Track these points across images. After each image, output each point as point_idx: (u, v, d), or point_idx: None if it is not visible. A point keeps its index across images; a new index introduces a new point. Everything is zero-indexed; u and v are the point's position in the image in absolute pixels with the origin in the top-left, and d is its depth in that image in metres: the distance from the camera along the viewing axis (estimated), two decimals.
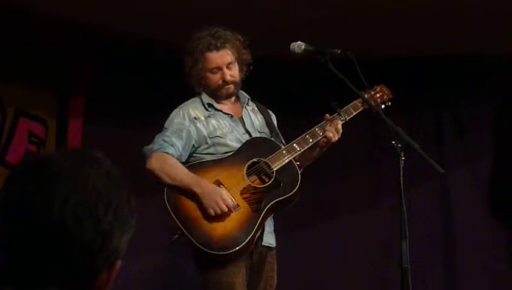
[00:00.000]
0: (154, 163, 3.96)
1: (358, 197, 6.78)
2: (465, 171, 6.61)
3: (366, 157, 6.73)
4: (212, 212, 3.85)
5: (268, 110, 4.35)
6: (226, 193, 3.89)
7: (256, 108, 4.29)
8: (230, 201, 3.88)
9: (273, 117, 4.35)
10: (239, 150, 4.03)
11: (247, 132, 4.14)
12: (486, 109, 6.38)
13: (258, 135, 4.17)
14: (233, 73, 4.10)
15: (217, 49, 4.06)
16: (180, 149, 4.00)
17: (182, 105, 4.17)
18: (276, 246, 4.16)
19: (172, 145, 3.98)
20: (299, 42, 3.97)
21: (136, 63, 6.07)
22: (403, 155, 3.57)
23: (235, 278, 3.87)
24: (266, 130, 4.22)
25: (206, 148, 4.06)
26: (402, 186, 3.52)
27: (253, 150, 4.04)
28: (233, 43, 4.10)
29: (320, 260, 6.57)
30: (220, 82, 4.09)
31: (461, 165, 6.63)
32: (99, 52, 5.96)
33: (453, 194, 6.68)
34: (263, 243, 4.06)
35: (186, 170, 3.98)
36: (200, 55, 4.05)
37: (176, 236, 3.90)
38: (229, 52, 4.08)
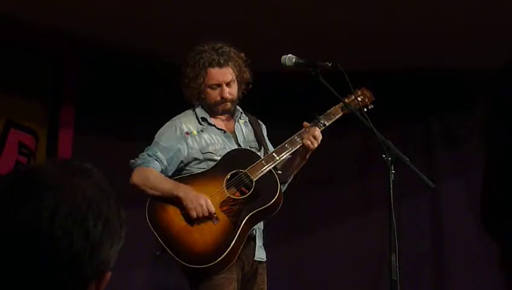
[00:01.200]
0: (135, 178, 3.98)
1: (348, 210, 6.77)
2: (456, 183, 6.61)
3: (356, 171, 6.72)
4: (194, 214, 3.86)
5: (259, 121, 4.35)
6: (207, 198, 3.90)
7: (248, 121, 4.28)
8: (212, 206, 3.89)
9: (263, 128, 4.35)
10: (219, 163, 4.02)
11: (239, 147, 4.14)
12: (477, 120, 6.40)
13: (248, 148, 4.16)
14: (232, 91, 4.09)
15: (220, 66, 4.04)
16: (165, 163, 4.01)
17: (175, 118, 4.16)
18: (266, 260, 4.15)
19: (156, 160, 3.99)
20: (289, 55, 3.97)
21: (127, 73, 6.08)
22: (393, 168, 3.57)
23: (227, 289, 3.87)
24: (255, 144, 4.22)
25: (198, 163, 4.06)
26: (392, 200, 3.52)
27: (233, 162, 4.02)
28: (235, 60, 4.09)
29: (310, 272, 6.56)
30: (218, 98, 4.08)
31: (452, 177, 6.64)
32: (90, 63, 5.97)
33: (444, 206, 6.69)
34: (255, 258, 4.06)
35: (166, 179, 3.99)
36: (202, 69, 4.04)
37: (158, 253, 3.92)
38: (230, 70, 4.07)
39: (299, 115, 5.89)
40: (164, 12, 5.28)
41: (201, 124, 4.12)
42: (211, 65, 4.04)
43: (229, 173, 3.98)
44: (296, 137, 4.05)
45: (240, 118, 4.25)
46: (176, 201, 3.91)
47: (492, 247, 1.12)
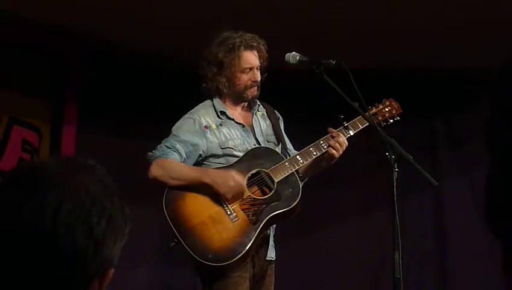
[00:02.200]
0: (155, 171, 3.89)
1: (352, 208, 6.78)
2: (459, 182, 6.61)
3: (360, 169, 6.72)
4: (230, 196, 3.83)
5: (276, 112, 4.29)
6: (235, 173, 3.86)
7: (265, 113, 4.23)
8: (242, 180, 3.85)
9: (281, 120, 4.28)
10: (242, 159, 3.96)
11: (257, 141, 4.08)
12: (479, 119, 6.38)
13: (266, 143, 4.10)
14: (259, 76, 4.08)
15: (252, 48, 4.04)
16: (184, 156, 3.93)
17: (193, 111, 4.09)
18: (275, 259, 4.13)
19: (175, 152, 3.91)
20: (293, 53, 3.95)
21: (131, 71, 6.09)
22: (396, 166, 3.56)
23: (240, 288, 3.84)
24: (273, 138, 4.17)
25: (216, 158, 3.99)
26: (395, 198, 3.51)
27: (256, 160, 3.97)
28: (263, 46, 4.09)
29: (314, 270, 6.56)
30: (249, 82, 4.04)
31: (456, 176, 6.64)
32: (92, 61, 5.97)
33: (447, 204, 6.69)
34: (266, 258, 4.02)
35: (189, 166, 3.93)
36: (236, 51, 4.01)
37: (172, 244, 3.83)
38: (259, 54, 4.07)
39: (302, 113, 5.89)
40: (164, 12, 5.28)
41: (219, 118, 4.05)
42: (246, 48, 4.02)
43: (251, 172, 3.93)
44: (321, 142, 3.99)
45: (257, 110, 4.20)
46: (203, 188, 3.86)
47: (496, 246, 1.12)
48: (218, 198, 3.88)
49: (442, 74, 6.45)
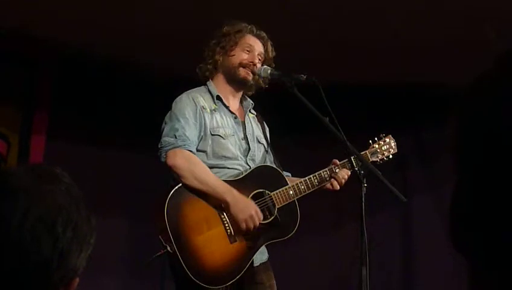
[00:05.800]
0: (180, 160, 3.74)
1: (319, 223, 6.78)
2: (428, 199, 6.65)
3: None
4: (244, 226, 3.72)
5: (264, 123, 4.23)
6: (257, 208, 3.77)
7: (256, 117, 4.18)
8: (261, 216, 3.77)
9: (267, 130, 4.24)
10: (246, 176, 3.88)
11: (246, 138, 4.01)
12: (448, 136, 6.39)
13: (256, 143, 4.04)
14: (259, 63, 4.03)
15: (258, 37, 4.04)
16: (196, 146, 3.83)
17: (189, 92, 3.96)
18: (268, 257, 4.02)
19: (193, 142, 3.80)
20: (265, 66, 3.95)
21: (103, 80, 6.06)
22: (365, 182, 3.57)
23: None
24: (264, 141, 4.13)
25: (204, 146, 3.86)
26: (364, 213, 3.51)
27: (261, 179, 3.90)
28: (271, 45, 4.08)
29: (281, 279, 6.55)
30: (246, 61, 3.98)
31: (425, 193, 6.68)
32: (64, 69, 5.94)
33: (416, 220, 6.72)
34: (255, 264, 3.90)
35: (217, 177, 3.79)
36: (238, 33, 4.00)
37: (164, 251, 3.61)
38: (264, 48, 4.05)
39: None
40: (137, 20, 5.27)
41: (215, 103, 3.97)
42: (250, 32, 4.03)
43: (254, 191, 3.85)
44: (325, 174, 4.00)
45: (250, 110, 4.14)
46: (214, 202, 3.75)
47: (463, 263, 1.12)
48: (222, 216, 3.76)
49: (412, 89, 6.50)
